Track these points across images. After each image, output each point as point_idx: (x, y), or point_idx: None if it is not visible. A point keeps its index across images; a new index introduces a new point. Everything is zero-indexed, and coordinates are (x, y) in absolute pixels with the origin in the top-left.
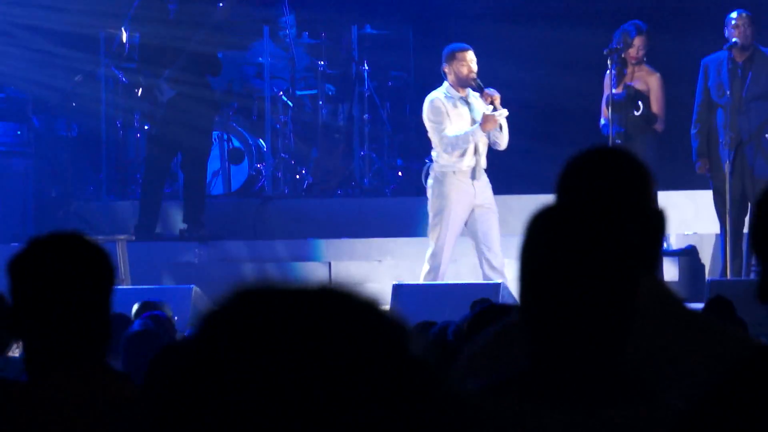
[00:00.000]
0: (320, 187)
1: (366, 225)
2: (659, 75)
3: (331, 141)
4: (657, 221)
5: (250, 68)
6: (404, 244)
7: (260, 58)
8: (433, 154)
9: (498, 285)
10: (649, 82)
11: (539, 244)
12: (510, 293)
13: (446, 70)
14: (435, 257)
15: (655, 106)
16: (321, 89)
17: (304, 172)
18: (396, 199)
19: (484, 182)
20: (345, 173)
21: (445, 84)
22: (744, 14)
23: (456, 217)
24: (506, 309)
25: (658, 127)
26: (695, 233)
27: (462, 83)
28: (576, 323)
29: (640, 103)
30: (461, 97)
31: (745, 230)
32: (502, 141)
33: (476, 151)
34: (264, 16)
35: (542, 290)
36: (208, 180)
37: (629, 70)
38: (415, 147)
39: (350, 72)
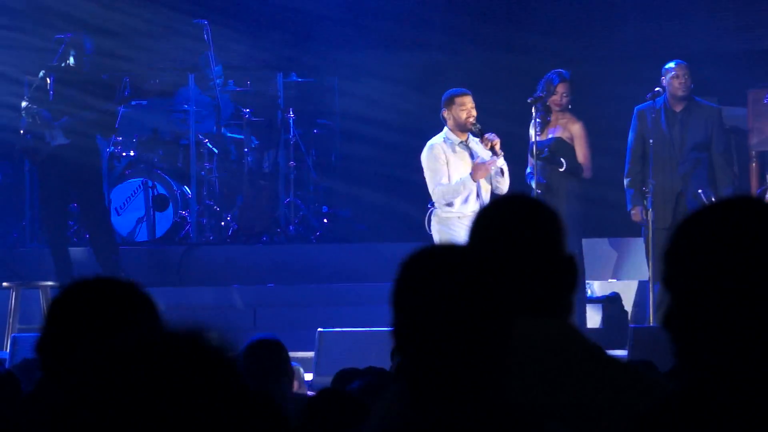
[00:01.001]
0: (245, 234)
1: (291, 272)
2: (582, 123)
3: (256, 188)
4: (566, 268)
5: (176, 115)
6: (329, 290)
7: (185, 105)
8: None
9: None
10: (572, 129)
11: (409, 290)
12: None
13: (445, 115)
14: None
15: (580, 154)
16: (246, 136)
17: (229, 218)
18: (321, 245)
19: None
20: (270, 220)
21: (445, 129)
22: (683, 64)
23: None
24: None
25: (586, 174)
26: (619, 280)
27: (461, 128)
28: (446, 369)
29: (562, 159)
30: (461, 142)
31: None
32: (504, 185)
33: (478, 196)
34: (190, 64)
35: (412, 336)
36: (132, 227)
37: (553, 117)
38: (341, 194)
39: (276, 119)
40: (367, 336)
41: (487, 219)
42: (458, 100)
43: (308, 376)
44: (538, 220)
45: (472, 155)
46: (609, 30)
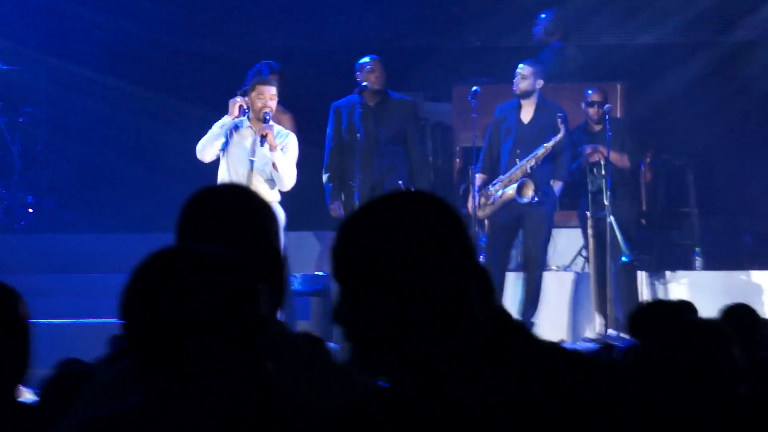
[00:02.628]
0: None
1: None
2: (291, 115)
3: None
4: (276, 260)
5: None
6: (35, 282)
7: None
8: None
9: None
10: (281, 120)
11: (144, 289)
12: None
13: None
14: None
15: None
16: None
17: None
18: (26, 236)
19: None
20: None
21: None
22: (377, 59)
23: None
24: None
25: None
26: (326, 273)
27: (257, 115)
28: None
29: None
30: (249, 126)
31: None
32: (279, 181)
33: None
34: None
35: (146, 334)
36: None
37: None
38: (46, 183)
39: None
40: (76, 328)
41: (198, 208)
42: (257, 87)
43: None
44: (248, 210)
45: (255, 139)
46: (315, 23)
